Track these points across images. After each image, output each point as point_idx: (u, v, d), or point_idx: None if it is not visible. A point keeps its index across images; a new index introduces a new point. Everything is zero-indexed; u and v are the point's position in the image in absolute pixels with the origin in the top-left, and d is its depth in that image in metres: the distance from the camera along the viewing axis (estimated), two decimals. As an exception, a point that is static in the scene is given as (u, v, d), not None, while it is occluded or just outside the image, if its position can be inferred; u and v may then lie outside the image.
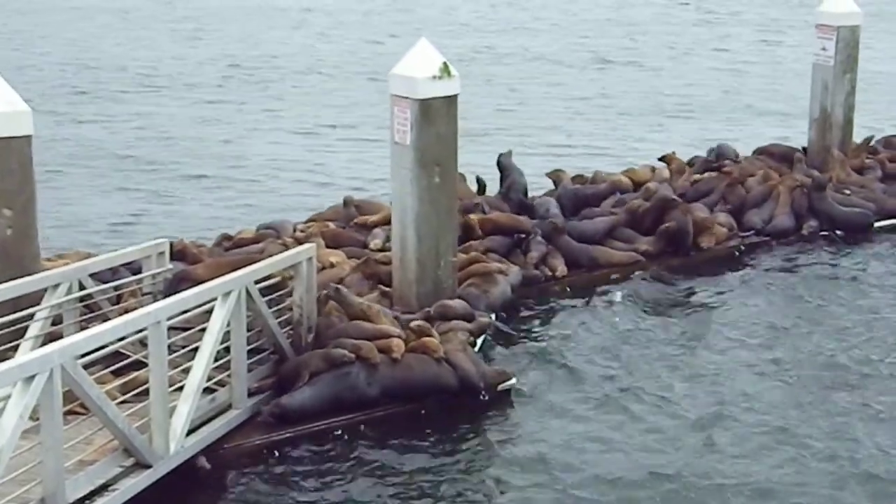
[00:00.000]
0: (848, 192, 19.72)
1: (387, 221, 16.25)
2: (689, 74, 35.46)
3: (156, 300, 12.45)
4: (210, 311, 11.44)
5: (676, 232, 17.42)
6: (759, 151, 21.14)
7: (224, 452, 11.59)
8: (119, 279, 13.51)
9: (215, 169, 24.11)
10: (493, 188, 18.45)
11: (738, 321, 15.41)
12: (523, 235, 16.78)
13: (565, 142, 26.46)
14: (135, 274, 13.74)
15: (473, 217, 16.56)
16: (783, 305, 16.06)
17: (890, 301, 16.19)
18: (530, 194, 18.39)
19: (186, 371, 11.15)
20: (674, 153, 20.47)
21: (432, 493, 11.24)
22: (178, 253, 15.04)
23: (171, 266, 13.82)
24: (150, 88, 32.77)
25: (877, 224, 19.18)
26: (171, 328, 10.91)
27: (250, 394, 12.16)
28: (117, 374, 11.19)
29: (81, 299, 12.64)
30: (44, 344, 11.19)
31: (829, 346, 14.59)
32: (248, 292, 11.83)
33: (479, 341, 14.18)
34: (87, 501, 9.87)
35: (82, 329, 11.81)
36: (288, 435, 11.98)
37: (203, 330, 11.38)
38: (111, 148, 25.71)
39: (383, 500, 11.13)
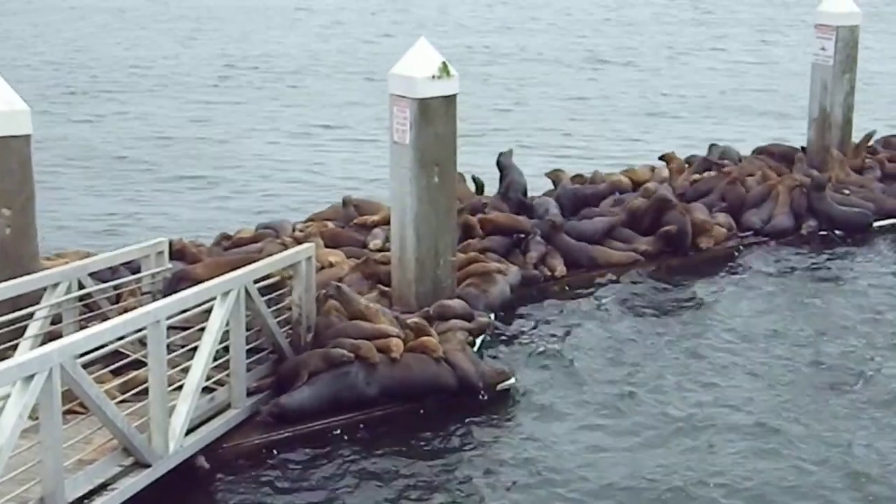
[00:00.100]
0: (847, 191, 19.73)
1: (387, 221, 16.26)
2: (687, 74, 35.50)
3: (155, 299, 12.45)
4: (209, 311, 11.43)
5: (675, 234, 17.42)
6: (759, 151, 21.16)
7: (223, 452, 11.58)
8: (118, 278, 13.50)
9: (213, 169, 24.11)
10: (492, 188, 18.44)
11: (737, 322, 15.40)
12: (522, 235, 16.77)
13: (563, 142, 26.48)
14: (134, 273, 13.74)
15: (472, 217, 16.56)
16: (782, 306, 16.04)
17: (889, 301, 16.18)
18: (529, 194, 18.39)
19: (186, 370, 11.14)
20: (673, 153, 20.46)
21: (431, 492, 11.23)
22: (178, 252, 15.04)
23: (170, 265, 13.81)
24: (148, 88, 32.78)
25: (876, 224, 19.20)
26: (170, 327, 10.90)
27: (249, 393, 12.15)
28: (116, 373, 11.18)
29: (81, 298, 12.63)
30: (43, 343, 11.19)
31: (827, 347, 14.56)
32: (247, 292, 11.83)
33: (478, 341, 14.17)
34: (87, 500, 9.86)
35: (81, 328, 11.81)
36: (287, 434, 11.98)
37: (202, 329, 11.37)
38: (108, 148, 25.72)
39: (382, 499, 11.12)
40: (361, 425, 12.32)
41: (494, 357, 14.05)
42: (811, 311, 15.87)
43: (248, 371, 12.15)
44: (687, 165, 20.17)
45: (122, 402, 10.59)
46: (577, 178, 19.45)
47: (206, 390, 11.49)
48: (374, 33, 43.05)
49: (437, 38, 14.48)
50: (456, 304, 14.28)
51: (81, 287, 12.58)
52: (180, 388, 10.97)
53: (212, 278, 11.93)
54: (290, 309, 12.90)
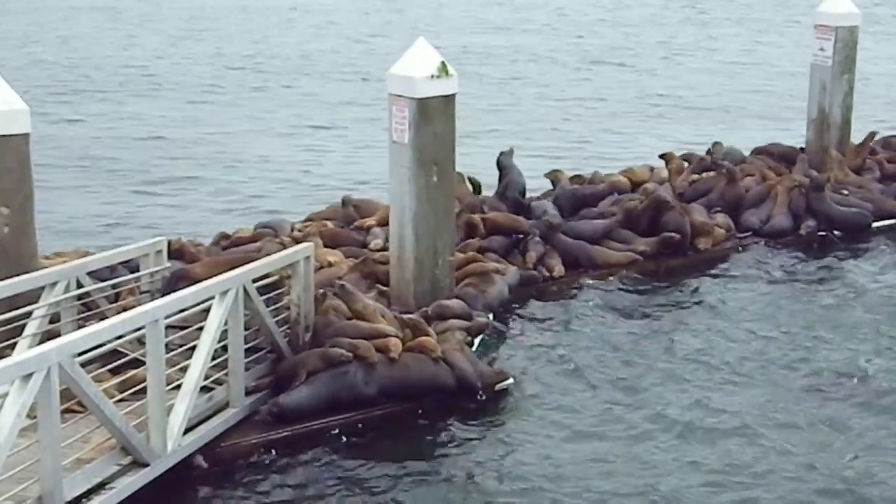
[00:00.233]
0: (846, 192, 19.72)
1: (384, 222, 16.28)
2: (684, 75, 35.49)
3: (153, 298, 12.47)
4: (208, 310, 11.42)
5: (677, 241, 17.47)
6: (759, 151, 21.14)
7: (221, 451, 11.58)
8: (117, 277, 13.51)
9: (211, 168, 24.11)
10: (489, 190, 18.42)
11: (735, 323, 15.38)
12: (521, 236, 16.77)
13: (560, 143, 26.47)
14: (132, 272, 13.75)
15: (475, 219, 16.57)
16: (780, 307, 16.01)
17: (887, 301, 16.18)
18: (528, 195, 18.38)
19: (184, 370, 11.14)
20: (672, 153, 20.46)
21: (430, 492, 11.23)
22: (176, 251, 15.04)
23: (168, 264, 13.83)
24: (144, 88, 32.74)
25: (875, 224, 19.19)
26: (168, 327, 10.90)
27: (248, 392, 12.15)
28: (115, 372, 11.16)
29: (79, 297, 12.64)
30: (41, 342, 11.20)
31: (826, 349, 14.53)
32: (245, 291, 11.83)
33: (477, 341, 14.18)
34: (85, 500, 9.87)
35: (80, 327, 11.81)
36: (285, 434, 11.97)
37: (201, 328, 11.37)
38: (106, 148, 25.70)
39: (380, 499, 11.12)
40: (360, 425, 12.31)
41: (493, 357, 14.05)
42: (810, 312, 15.86)
43: (247, 370, 12.15)
44: (686, 164, 20.18)
45: (120, 401, 10.58)
46: (576, 178, 19.45)
47: (205, 389, 11.49)
48: (368, 33, 43.06)
49: (432, 38, 14.43)
50: (454, 303, 14.28)
51: (80, 286, 12.59)
52: (179, 387, 10.97)
53: (210, 277, 11.93)
54: (288, 308, 12.90)
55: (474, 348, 13.90)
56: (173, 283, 13.10)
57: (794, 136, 22.02)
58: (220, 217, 20.18)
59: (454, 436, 12.31)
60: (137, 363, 10.99)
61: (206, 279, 11.95)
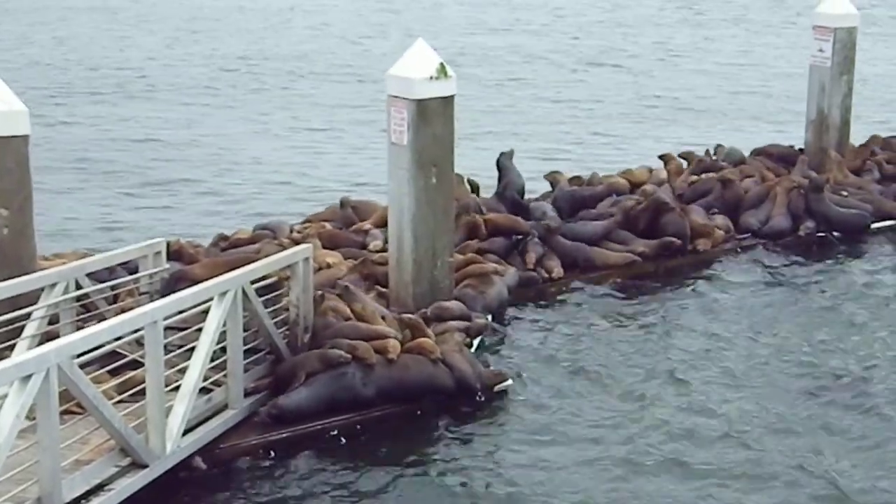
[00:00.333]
0: (845, 193, 19.72)
1: (381, 223, 16.29)
2: (682, 76, 35.46)
3: (152, 300, 12.47)
4: (207, 311, 11.43)
5: (676, 238, 17.45)
6: (758, 152, 21.13)
7: (220, 452, 11.59)
8: (116, 279, 13.51)
9: (208, 170, 24.07)
10: (487, 192, 18.42)
11: (734, 325, 15.37)
12: (520, 237, 16.77)
13: (559, 144, 26.44)
14: (131, 273, 13.74)
15: (477, 219, 16.58)
16: (779, 309, 15.99)
17: (886, 302, 16.19)
18: (527, 196, 18.38)
19: (183, 371, 11.15)
20: (671, 153, 20.45)
21: (428, 493, 11.24)
22: (175, 253, 15.03)
23: (167, 266, 13.83)
24: (141, 90, 32.68)
25: (874, 225, 19.19)
26: (167, 328, 10.92)
27: (247, 394, 12.16)
28: (114, 373, 11.16)
29: (78, 299, 12.65)
30: (40, 343, 11.18)
31: (825, 351, 14.52)
32: (244, 292, 11.83)
33: (476, 342, 14.18)
34: (84, 501, 9.88)
35: (79, 329, 11.81)
36: (284, 435, 11.98)
37: (199, 330, 11.37)
38: (104, 149, 25.65)
39: (379, 500, 11.13)
40: (358, 426, 12.32)
41: (491, 358, 14.05)
42: (809, 313, 15.85)
43: (246, 372, 12.16)
44: (686, 162, 20.20)
45: (119, 402, 10.58)
46: (575, 179, 19.44)
47: (204, 391, 11.49)
48: (364, 34, 43.00)
49: (429, 39, 14.41)
50: (453, 305, 14.28)
51: (79, 287, 12.59)
52: (177, 388, 10.97)
53: (209, 279, 11.94)
54: (287, 310, 12.91)
55: (473, 349, 13.90)
56: (172, 285, 13.11)
57: (791, 137, 21.99)
58: (217, 219, 20.15)
59: (453, 437, 12.32)
60: (136, 364, 10.99)
61: (204, 280, 11.96)
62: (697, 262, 17.60)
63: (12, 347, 11.56)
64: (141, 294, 13.32)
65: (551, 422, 12.62)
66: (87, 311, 12.78)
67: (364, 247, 16.12)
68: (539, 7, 50.72)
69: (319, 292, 13.34)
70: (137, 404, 10.63)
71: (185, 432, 11.06)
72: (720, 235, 18.13)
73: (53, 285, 12.29)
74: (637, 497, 11.18)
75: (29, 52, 38.15)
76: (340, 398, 12.32)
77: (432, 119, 14.08)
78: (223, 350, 11.74)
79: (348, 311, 13.25)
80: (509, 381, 13.30)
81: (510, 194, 17.91)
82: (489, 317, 14.78)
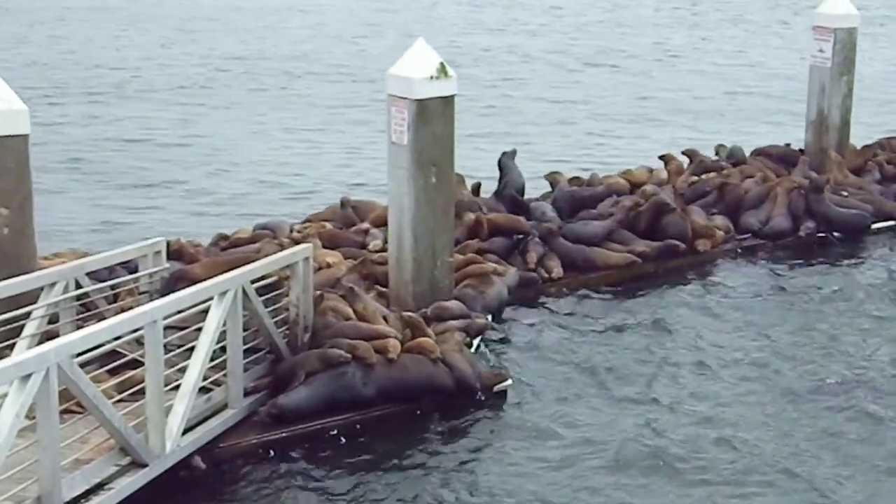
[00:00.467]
0: (845, 193, 19.72)
1: (379, 222, 16.29)
2: (681, 77, 35.45)
3: (152, 299, 12.46)
4: (206, 311, 11.42)
5: (676, 239, 17.45)
6: (758, 153, 21.13)
7: (220, 452, 11.59)
8: (115, 278, 13.50)
9: (207, 169, 24.06)
10: (484, 193, 18.44)
11: (734, 326, 15.37)
12: (521, 236, 16.76)
13: (557, 144, 26.42)
14: (131, 273, 13.74)
15: (479, 216, 16.58)
16: (779, 309, 16.00)
17: (886, 303, 16.18)
18: (527, 196, 18.37)
19: (183, 370, 11.14)
20: (671, 154, 20.46)
21: (427, 493, 11.23)
22: (175, 252, 15.03)
23: (167, 265, 13.81)
24: (138, 90, 32.64)
25: (874, 226, 19.20)
26: (167, 327, 10.91)
27: (246, 393, 12.15)
28: (113, 373, 11.15)
29: (78, 298, 12.64)
30: (40, 343, 11.18)
31: (823, 352, 14.53)
32: (244, 292, 11.82)
33: (476, 342, 14.18)
34: (83, 500, 9.87)
35: (79, 328, 11.81)
36: (284, 435, 11.98)
37: (199, 329, 11.37)
38: (100, 150, 25.60)
39: (378, 499, 11.13)
40: (358, 426, 12.32)
41: (491, 358, 14.05)
42: (809, 314, 15.85)
43: (246, 371, 12.15)
44: (689, 160, 20.21)
45: (118, 401, 10.57)
46: (575, 179, 19.45)
47: (203, 390, 11.48)
48: (361, 34, 42.98)
49: (426, 38, 14.39)
50: (453, 305, 14.28)
51: (79, 287, 12.58)
52: (177, 387, 10.97)
53: (209, 278, 11.93)
54: (287, 309, 12.90)
55: (473, 349, 13.90)
56: (172, 284, 13.09)
57: (789, 138, 21.95)
58: (216, 219, 20.11)
59: (453, 437, 12.32)
60: (136, 364, 10.98)
61: (204, 280, 11.95)
62: (697, 263, 17.60)
63: (12, 347, 11.56)
64: (141, 293, 13.31)
65: (551, 422, 12.62)
66: (87, 311, 12.77)
67: (364, 246, 16.12)
68: (537, 7, 50.72)
69: (319, 292, 13.33)
70: (137, 403, 10.62)
71: (185, 431, 11.06)
72: (720, 236, 18.13)
73: (53, 284, 12.28)
74: (638, 498, 11.17)
75: (26, 52, 38.12)
76: (340, 398, 12.32)
77: (432, 119, 14.08)
78: (223, 349, 11.73)
79: (348, 310, 13.25)
80: (509, 381, 13.29)
81: (508, 192, 17.91)
82: (489, 317, 14.77)
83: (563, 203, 18.27)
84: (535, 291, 16.18)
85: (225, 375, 11.87)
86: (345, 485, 11.34)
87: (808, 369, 14.04)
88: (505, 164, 18.41)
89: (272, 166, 24.31)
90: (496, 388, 13.15)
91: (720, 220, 18.46)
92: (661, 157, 20.38)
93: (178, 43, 40.81)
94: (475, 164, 19.93)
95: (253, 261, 12.80)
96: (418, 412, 12.65)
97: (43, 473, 9.36)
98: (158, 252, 13.70)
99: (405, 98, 13.98)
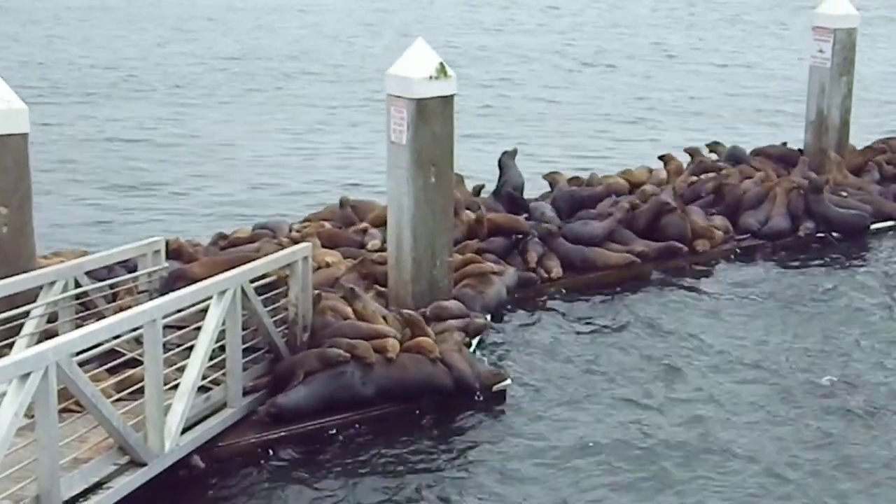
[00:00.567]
0: (845, 194, 19.72)
1: (378, 222, 16.28)
2: (679, 77, 35.46)
3: (151, 298, 12.45)
4: (205, 310, 11.41)
5: (675, 239, 17.44)
6: (757, 153, 21.13)
7: (219, 451, 11.57)
8: (114, 277, 13.49)
9: (205, 169, 24.05)
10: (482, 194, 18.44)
11: (733, 326, 15.36)
12: (520, 236, 16.76)
13: (557, 145, 26.42)
14: (130, 272, 13.73)
15: (480, 214, 16.58)
16: (778, 309, 15.98)
17: (886, 303, 16.18)
18: (527, 197, 18.37)
19: (181, 369, 11.13)
20: (671, 154, 20.46)
21: (427, 493, 11.23)
22: (174, 251, 15.02)
23: (166, 264, 13.79)
24: (136, 89, 32.63)
25: (873, 226, 19.19)
26: (166, 326, 10.90)
27: (245, 392, 12.14)
28: (112, 372, 11.14)
29: (77, 297, 12.62)
30: (39, 342, 11.17)
31: (822, 353, 14.51)
32: (243, 291, 11.81)
33: (475, 342, 14.17)
34: (82, 499, 9.86)
35: (77, 327, 11.80)
36: (283, 434, 11.97)
37: (198, 328, 11.36)
38: (97, 149, 25.59)
39: (377, 499, 11.13)
40: (357, 425, 12.31)
41: (490, 358, 14.04)
42: (808, 314, 15.84)
43: (245, 370, 12.14)
44: (690, 158, 20.20)
45: (117, 400, 10.56)
46: (574, 179, 19.45)
47: (202, 389, 11.48)
48: (358, 34, 42.99)
49: (432, 38, 14.42)
50: (452, 304, 14.28)
51: (78, 286, 12.57)
52: (176, 387, 10.96)
53: (208, 277, 11.92)
54: (286, 309, 12.88)
55: (472, 349, 13.90)
56: (171, 283, 13.08)
57: (787, 138, 21.94)
58: (215, 218, 20.12)
59: (451, 437, 12.31)
60: (135, 363, 10.97)
61: (203, 279, 11.94)
62: (697, 263, 17.59)
63: (11, 345, 11.54)
64: (140, 292, 13.30)
65: (550, 421, 12.62)
66: (86, 310, 12.75)
67: (363, 246, 16.12)
68: (534, 7, 50.73)
69: (318, 291, 13.32)
70: (136, 402, 10.61)
71: (184, 431, 11.04)
72: (719, 236, 18.12)
73: (52, 283, 12.27)
74: (636, 498, 11.17)
75: (22, 52, 38.11)
76: (339, 397, 12.31)
77: (431, 118, 14.07)
78: (222, 349, 11.71)
79: (347, 310, 13.24)
80: (508, 381, 13.28)
81: (506, 191, 17.91)
82: (488, 316, 14.76)
83: (563, 203, 18.27)
84: (534, 291, 16.18)
85: (224, 375, 11.86)
86: (344, 484, 11.33)
87: (807, 370, 14.03)
88: (504, 163, 18.42)
89: (271, 166, 24.30)
90: (495, 388, 13.14)
91: (719, 221, 18.46)
92: (661, 158, 20.38)
93: (176, 42, 40.82)
94: (472, 165, 19.89)
95: (252, 260, 12.79)
96: (417, 412, 12.64)
97: (41, 472, 9.34)
98: (157, 251, 13.67)
99: (404, 98, 13.97)
